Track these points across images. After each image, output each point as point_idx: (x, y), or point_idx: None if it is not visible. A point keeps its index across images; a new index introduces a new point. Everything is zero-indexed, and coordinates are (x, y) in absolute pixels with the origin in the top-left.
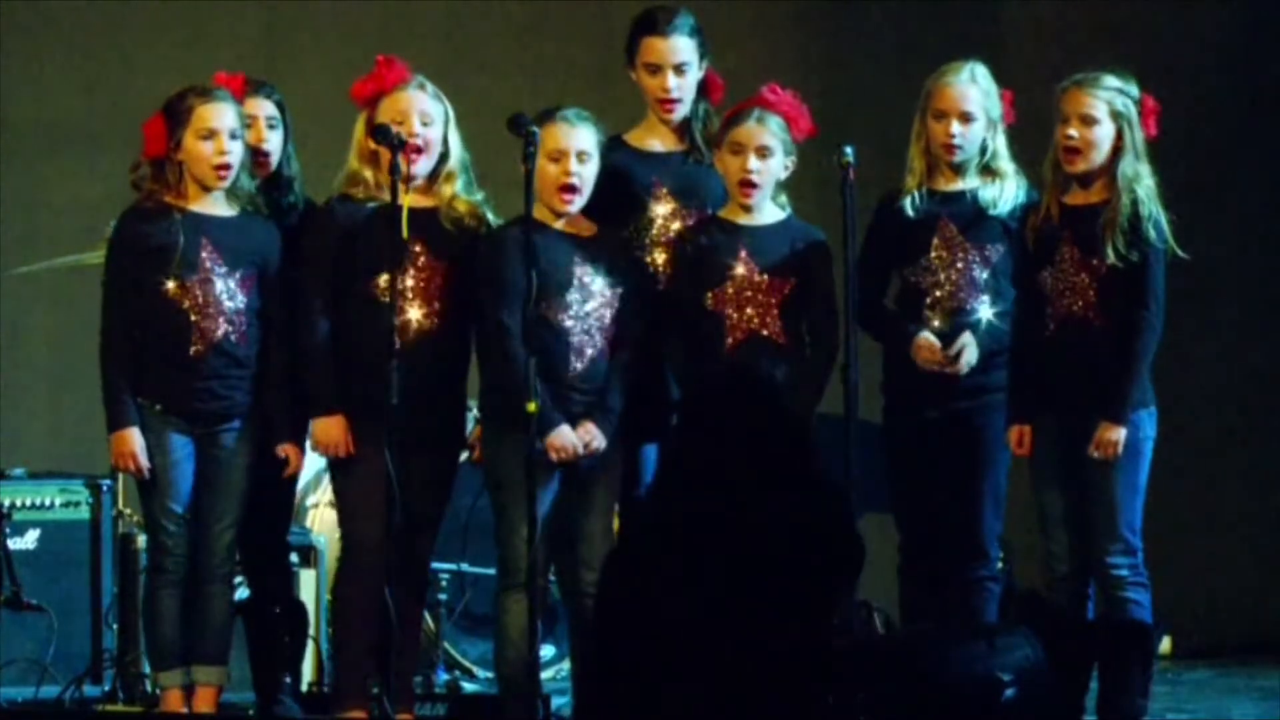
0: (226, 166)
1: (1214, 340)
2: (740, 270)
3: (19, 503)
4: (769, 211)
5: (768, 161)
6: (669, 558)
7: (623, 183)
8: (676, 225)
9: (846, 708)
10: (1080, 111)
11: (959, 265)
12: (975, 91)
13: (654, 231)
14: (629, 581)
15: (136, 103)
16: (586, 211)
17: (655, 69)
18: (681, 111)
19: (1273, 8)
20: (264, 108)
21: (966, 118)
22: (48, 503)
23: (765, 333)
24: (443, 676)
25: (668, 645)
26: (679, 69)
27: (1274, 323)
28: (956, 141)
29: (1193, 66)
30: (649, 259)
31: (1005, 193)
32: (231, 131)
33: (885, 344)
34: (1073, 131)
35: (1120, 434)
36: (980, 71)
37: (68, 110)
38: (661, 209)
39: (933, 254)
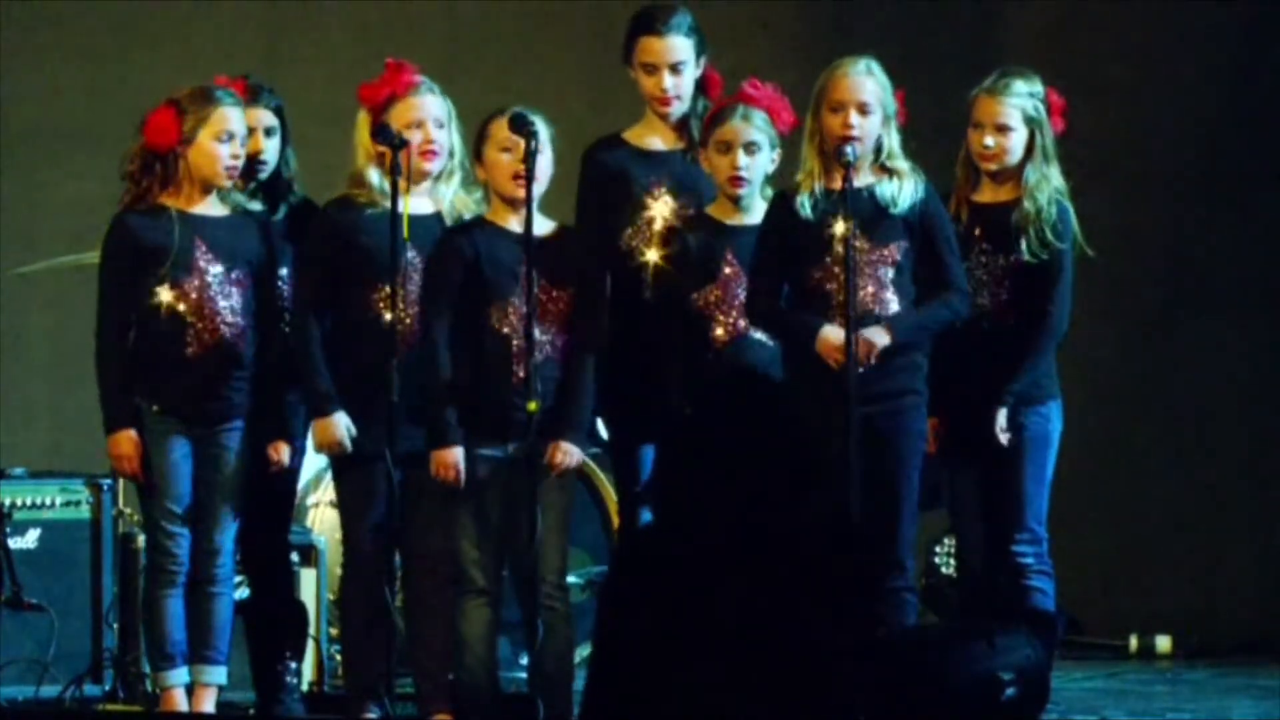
0: (236, 170)
1: (1215, 340)
2: (727, 271)
3: (19, 503)
4: (759, 210)
5: (755, 157)
6: (675, 562)
7: (622, 181)
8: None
9: (846, 707)
10: (995, 121)
11: (862, 265)
12: (872, 84)
13: (653, 230)
14: (635, 588)
15: (137, 104)
16: (559, 208)
17: (652, 68)
18: (679, 110)
19: (1273, 8)
20: (263, 118)
21: (864, 109)
22: (48, 503)
23: (753, 333)
24: None
25: (675, 647)
26: (675, 68)
27: None
28: (855, 133)
29: (1194, 66)
30: (648, 258)
31: (904, 190)
32: (243, 136)
33: (785, 342)
34: (989, 140)
35: (1002, 415)
36: (876, 66)
37: (68, 111)
38: (661, 207)
39: (834, 254)
